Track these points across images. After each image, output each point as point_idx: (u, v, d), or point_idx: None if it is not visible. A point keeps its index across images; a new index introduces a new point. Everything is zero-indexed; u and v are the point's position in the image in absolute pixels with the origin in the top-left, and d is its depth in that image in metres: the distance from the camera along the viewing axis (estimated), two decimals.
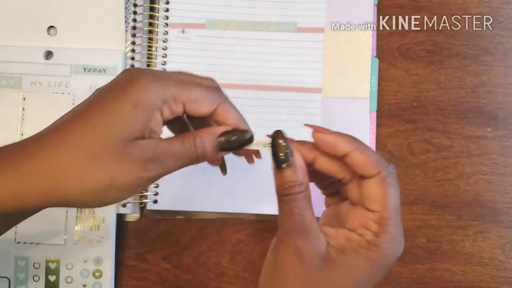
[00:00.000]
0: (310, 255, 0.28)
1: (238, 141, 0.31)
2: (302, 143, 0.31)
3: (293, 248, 0.28)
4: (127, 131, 0.27)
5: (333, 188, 0.34)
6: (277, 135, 0.30)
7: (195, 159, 0.30)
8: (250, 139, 0.31)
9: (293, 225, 0.29)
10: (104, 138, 0.27)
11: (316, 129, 0.30)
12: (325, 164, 0.31)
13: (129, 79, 0.28)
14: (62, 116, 0.29)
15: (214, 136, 0.30)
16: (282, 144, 0.30)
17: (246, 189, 0.46)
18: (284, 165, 0.29)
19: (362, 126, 0.45)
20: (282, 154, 0.29)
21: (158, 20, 0.47)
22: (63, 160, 0.27)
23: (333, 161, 0.30)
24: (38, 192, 0.27)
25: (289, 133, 0.45)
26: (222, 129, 0.30)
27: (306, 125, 0.31)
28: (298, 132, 0.45)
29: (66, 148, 0.27)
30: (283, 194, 0.30)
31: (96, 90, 0.29)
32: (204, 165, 0.46)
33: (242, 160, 0.45)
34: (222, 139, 0.30)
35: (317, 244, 0.29)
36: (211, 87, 0.31)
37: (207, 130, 0.30)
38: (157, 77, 0.29)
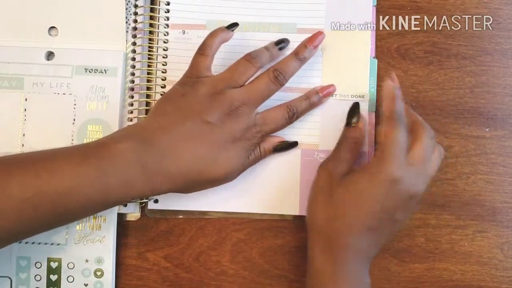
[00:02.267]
0: (335, 173, 0.41)
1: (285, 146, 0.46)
2: None
3: (327, 169, 0.42)
4: None
5: None
6: (355, 106, 0.44)
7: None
8: (294, 144, 0.46)
9: (335, 155, 0.42)
10: None
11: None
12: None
13: None
14: None
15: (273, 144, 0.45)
16: (352, 112, 0.44)
17: (246, 189, 0.46)
18: (349, 122, 0.43)
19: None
20: (350, 118, 0.43)
21: (158, 21, 0.47)
22: None
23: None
24: None
25: (289, 131, 0.46)
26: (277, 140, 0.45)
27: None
28: (298, 132, 0.46)
29: None
30: (342, 138, 0.43)
31: None
32: None
33: None
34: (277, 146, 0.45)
35: (343, 168, 0.41)
36: None
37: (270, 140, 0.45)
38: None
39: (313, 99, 0.45)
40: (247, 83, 0.42)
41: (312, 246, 0.40)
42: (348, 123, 0.43)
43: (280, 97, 0.46)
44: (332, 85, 0.46)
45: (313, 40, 0.44)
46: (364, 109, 0.46)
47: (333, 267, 0.38)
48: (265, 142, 0.44)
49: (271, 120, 0.43)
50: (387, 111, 0.39)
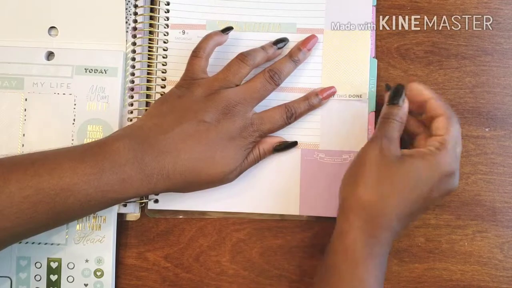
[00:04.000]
0: (389, 152, 0.39)
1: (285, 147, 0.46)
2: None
3: (378, 146, 0.39)
4: None
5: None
6: (399, 87, 0.42)
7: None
8: (294, 144, 0.46)
9: (384, 133, 0.40)
10: None
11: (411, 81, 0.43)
12: (412, 125, 0.43)
13: None
14: None
15: (272, 145, 0.45)
16: (400, 92, 0.41)
17: (246, 189, 0.46)
18: (396, 102, 0.41)
19: (361, 126, 0.46)
20: (397, 97, 0.41)
21: (158, 21, 0.47)
22: None
23: (415, 121, 0.43)
24: None
25: (289, 131, 0.46)
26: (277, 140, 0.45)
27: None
28: (298, 132, 0.46)
29: None
30: (387, 118, 0.41)
31: None
32: None
33: None
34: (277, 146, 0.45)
35: (396, 148, 0.39)
36: None
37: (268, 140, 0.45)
38: None
39: (313, 101, 0.45)
40: (243, 82, 0.43)
41: (348, 221, 0.38)
42: (396, 102, 0.41)
43: (281, 97, 0.46)
44: (332, 87, 0.46)
45: (307, 43, 0.45)
46: (364, 109, 0.46)
47: (370, 247, 0.37)
48: (264, 143, 0.44)
49: (268, 119, 0.43)
50: (444, 106, 0.41)
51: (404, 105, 0.41)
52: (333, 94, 0.46)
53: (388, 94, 0.42)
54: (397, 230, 0.38)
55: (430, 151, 0.39)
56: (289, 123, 0.44)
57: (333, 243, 0.39)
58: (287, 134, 0.46)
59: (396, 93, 0.41)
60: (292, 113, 0.44)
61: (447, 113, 0.40)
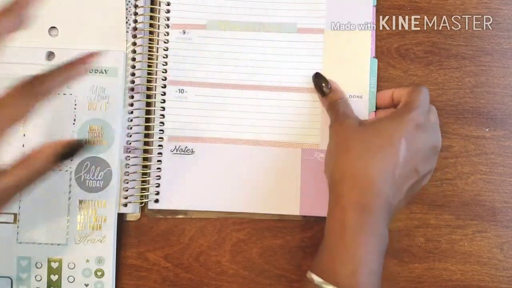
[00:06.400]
0: (348, 123, 0.41)
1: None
2: None
3: (339, 123, 0.42)
4: None
5: None
6: (316, 75, 0.45)
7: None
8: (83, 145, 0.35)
9: (337, 113, 0.43)
10: None
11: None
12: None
13: None
14: None
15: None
16: (320, 82, 0.45)
17: (246, 188, 0.46)
18: (326, 91, 0.45)
19: None
20: (323, 88, 0.45)
21: (159, 21, 0.47)
22: None
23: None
24: None
25: (289, 132, 0.46)
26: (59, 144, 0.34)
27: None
28: (299, 132, 0.46)
29: None
30: (331, 105, 0.44)
31: None
32: (205, 164, 0.47)
33: (242, 160, 0.46)
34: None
35: (353, 120, 0.42)
36: None
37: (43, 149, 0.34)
38: None
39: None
40: None
41: (337, 196, 0.39)
42: (326, 91, 0.44)
43: (281, 97, 0.46)
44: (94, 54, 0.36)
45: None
46: (364, 109, 0.46)
47: (363, 218, 0.37)
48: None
49: None
50: (408, 86, 0.43)
51: (334, 86, 0.45)
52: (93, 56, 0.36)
53: (317, 88, 0.45)
54: (389, 196, 0.38)
55: (396, 110, 0.41)
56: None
57: (327, 222, 0.39)
58: (287, 134, 0.46)
59: (320, 85, 0.45)
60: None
61: (411, 87, 0.42)
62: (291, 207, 0.46)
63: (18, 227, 0.45)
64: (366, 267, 0.36)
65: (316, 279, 0.37)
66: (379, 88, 0.46)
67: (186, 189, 0.46)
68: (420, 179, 0.40)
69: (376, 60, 0.47)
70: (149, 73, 0.47)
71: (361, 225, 0.37)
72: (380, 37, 0.47)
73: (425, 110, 0.41)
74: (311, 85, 0.46)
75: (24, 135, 0.45)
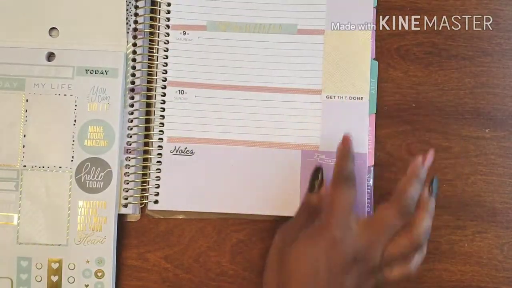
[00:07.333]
0: (288, 240, 0.40)
1: None
2: None
3: (280, 235, 0.42)
4: None
5: None
6: (317, 170, 0.43)
7: None
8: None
9: (290, 221, 0.42)
10: None
11: None
12: None
13: None
14: None
15: None
16: (318, 176, 0.43)
17: (246, 189, 0.46)
18: (314, 190, 0.42)
19: (362, 128, 0.46)
20: (316, 184, 0.42)
21: (159, 22, 0.47)
22: None
23: None
24: None
25: (289, 134, 0.46)
26: None
27: None
28: (299, 133, 0.46)
29: None
30: (303, 204, 0.43)
31: None
32: (204, 165, 0.47)
33: (242, 161, 0.46)
34: None
35: (295, 235, 0.40)
36: None
37: None
38: None
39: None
40: None
41: None
42: (311, 188, 0.42)
43: (281, 98, 0.46)
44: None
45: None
46: (364, 110, 0.46)
47: None
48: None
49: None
50: (335, 169, 0.40)
51: (321, 190, 0.42)
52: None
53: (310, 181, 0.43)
54: None
55: (313, 225, 0.40)
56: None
57: None
58: (287, 135, 0.46)
59: (313, 176, 0.43)
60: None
61: (338, 177, 0.40)
62: (291, 207, 0.46)
63: (18, 227, 0.45)
64: None
65: None
66: (379, 89, 0.46)
67: (186, 190, 0.46)
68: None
69: (377, 62, 0.47)
70: (149, 74, 0.47)
71: None
72: (380, 37, 0.47)
73: (343, 223, 0.38)
74: (311, 86, 0.46)
75: (24, 136, 0.45)
